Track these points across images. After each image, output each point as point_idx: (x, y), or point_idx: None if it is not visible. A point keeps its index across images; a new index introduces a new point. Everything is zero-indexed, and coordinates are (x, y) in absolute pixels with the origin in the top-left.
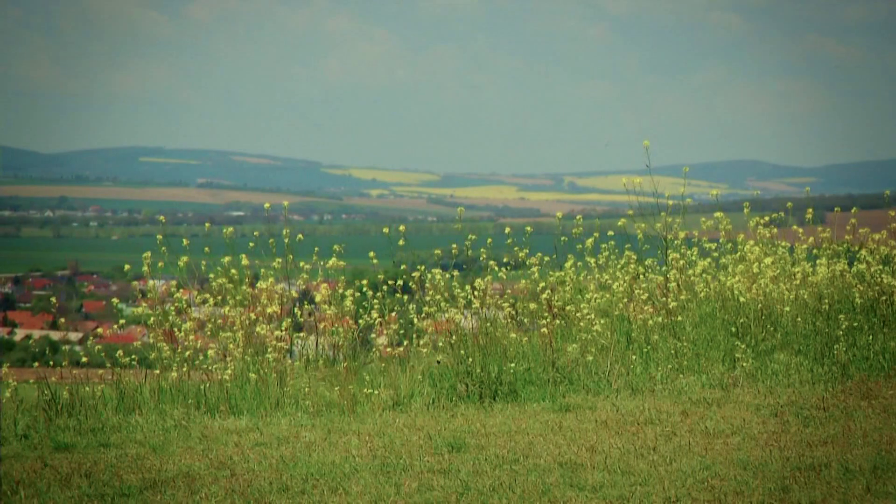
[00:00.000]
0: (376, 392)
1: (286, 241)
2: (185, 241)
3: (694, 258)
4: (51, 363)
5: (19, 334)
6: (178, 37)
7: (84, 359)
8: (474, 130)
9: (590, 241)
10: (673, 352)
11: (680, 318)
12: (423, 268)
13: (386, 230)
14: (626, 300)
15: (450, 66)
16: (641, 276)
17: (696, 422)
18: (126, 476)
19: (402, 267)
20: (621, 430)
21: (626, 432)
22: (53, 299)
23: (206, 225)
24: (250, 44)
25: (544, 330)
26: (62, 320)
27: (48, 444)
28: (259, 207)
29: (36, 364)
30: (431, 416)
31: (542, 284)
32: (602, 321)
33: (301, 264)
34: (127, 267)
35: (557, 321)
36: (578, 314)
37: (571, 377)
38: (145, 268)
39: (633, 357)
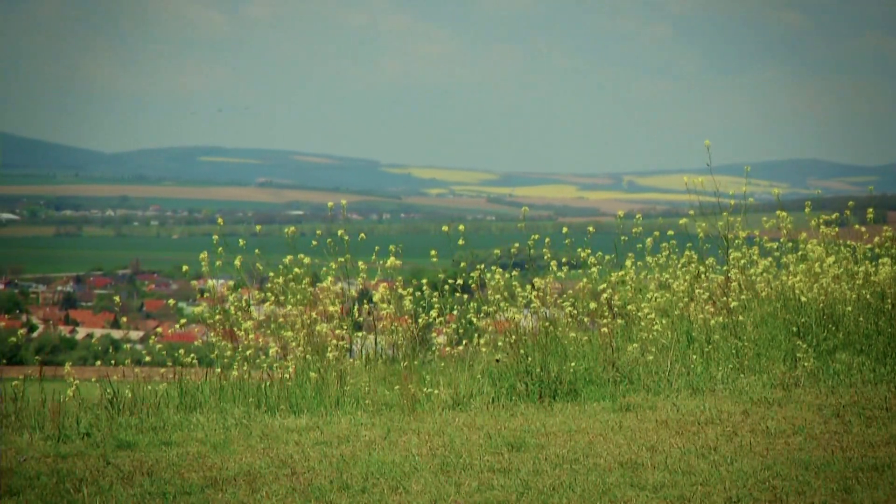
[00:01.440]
0: (436, 391)
1: (346, 240)
2: (241, 242)
3: (755, 257)
4: (112, 362)
5: (81, 333)
6: (238, 36)
7: (146, 357)
8: (533, 129)
9: (650, 240)
10: (734, 351)
11: (741, 317)
12: (482, 267)
13: (445, 228)
14: (686, 299)
15: (509, 65)
16: (702, 276)
17: (757, 422)
18: (187, 474)
19: (462, 265)
20: (682, 429)
21: (686, 432)
22: (116, 298)
23: (258, 228)
24: (309, 43)
25: (604, 329)
26: (123, 319)
27: (110, 443)
28: (318, 207)
29: (98, 363)
30: (491, 415)
31: (602, 284)
32: (662, 321)
33: (360, 264)
34: (185, 268)
35: (618, 320)
36: (639, 314)
37: (631, 377)
38: (205, 267)
39: (694, 357)
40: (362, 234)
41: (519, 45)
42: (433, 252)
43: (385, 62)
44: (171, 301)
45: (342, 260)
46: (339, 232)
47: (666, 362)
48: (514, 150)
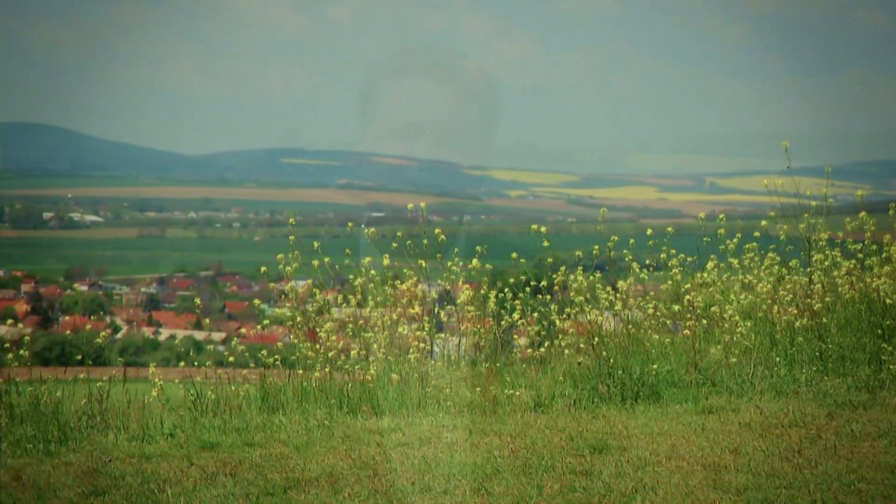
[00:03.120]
0: (517, 393)
1: (425, 242)
2: (316, 244)
3: (838, 259)
4: (195, 363)
5: (164, 334)
6: (318, 38)
7: (229, 359)
8: (614, 131)
9: (732, 242)
10: (817, 354)
11: (825, 319)
12: (564, 269)
13: (535, 227)
14: (769, 302)
15: (589, 67)
16: (785, 278)
17: (842, 425)
18: (270, 475)
19: (550, 260)
20: (765, 432)
21: (770, 435)
22: (198, 300)
23: (349, 226)
24: (389, 44)
25: (687, 331)
26: (206, 320)
27: (194, 443)
28: (398, 209)
29: (181, 364)
30: (573, 417)
31: (685, 286)
32: (746, 323)
33: (449, 264)
34: (263, 269)
35: (700, 322)
36: (722, 315)
37: (714, 379)
38: (288, 268)
39: (777, 359)
40: (442, 236)
41: (600, 46)
42: (514, 254)
43: (465, 63)
44: (257, 301)
45: (423, 262)
46: (426, 233)
47: (749, 364)
48: (594, 151)
